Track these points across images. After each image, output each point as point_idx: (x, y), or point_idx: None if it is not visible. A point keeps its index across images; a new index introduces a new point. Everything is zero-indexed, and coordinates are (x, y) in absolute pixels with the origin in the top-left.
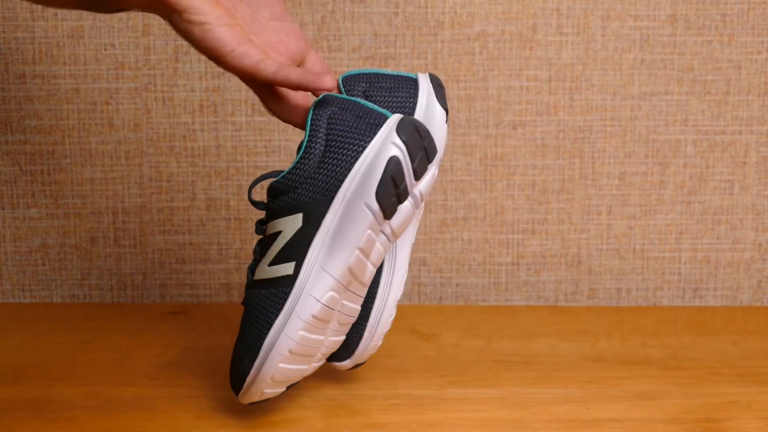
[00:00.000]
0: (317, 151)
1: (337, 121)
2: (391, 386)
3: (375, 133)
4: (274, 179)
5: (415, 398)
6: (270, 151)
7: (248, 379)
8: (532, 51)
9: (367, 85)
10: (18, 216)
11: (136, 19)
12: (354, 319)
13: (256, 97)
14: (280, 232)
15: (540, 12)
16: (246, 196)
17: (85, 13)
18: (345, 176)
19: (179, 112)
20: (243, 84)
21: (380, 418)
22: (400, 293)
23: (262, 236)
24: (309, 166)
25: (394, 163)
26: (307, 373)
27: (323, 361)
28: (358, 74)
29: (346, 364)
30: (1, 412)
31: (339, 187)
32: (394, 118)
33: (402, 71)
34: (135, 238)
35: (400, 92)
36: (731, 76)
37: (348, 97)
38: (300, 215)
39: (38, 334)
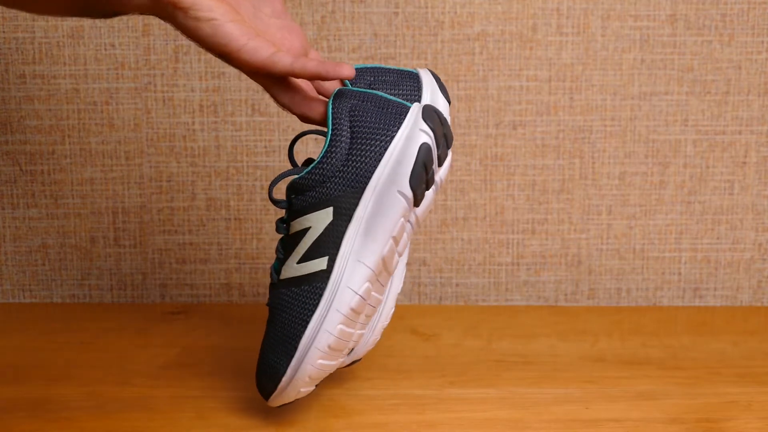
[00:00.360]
0: (343, 144)
1: (359, 113)
2: (391, 386)
3: (401, 122)
4: (297, 176)
5: (415, 398)
6: (270, 151)
7: (284, 379)
8: (532, 51)
9: (372, 78)
10: (18, 216)
11: (136, 19)
12: (376, 311)
13: (256, 97)
14: (309, 228)
15: (540, 12)
16: (265, 195)
17: None
18: (375, 166)
19: (179, 112)
20: (243, 84)
21: (380, 418)
22: (400, 287)
23: (284, 235)
24: (336, 160)
25: (425, 150)
26: (332, 370)
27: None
28: (362, 68)
29: (345, 360)
30: (1, 412)
31: (370, 177)
32: (416, 107)
33: (402, 67)
34: (135, 238)
35: (404, 86)
36: (731, 76)
37: (363, 89)
38: (330, 209)
39: (38, 334)
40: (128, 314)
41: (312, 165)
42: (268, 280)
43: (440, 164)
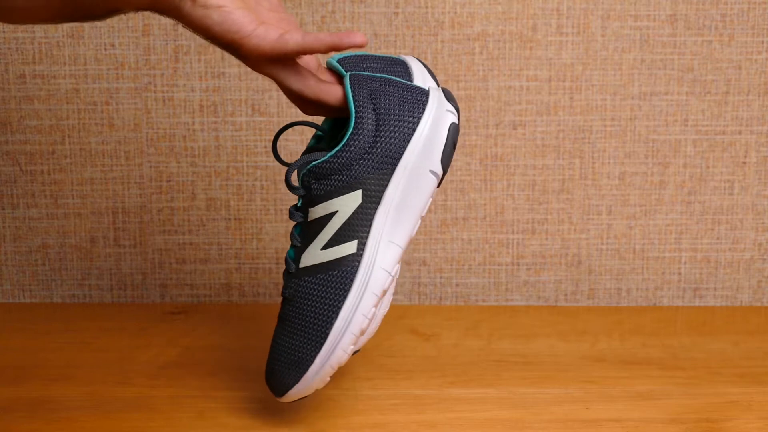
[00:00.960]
0: (369, 126)
1: (380, 95)
2: (391, 386)
3: (425, 104)
4: (317, 161)
5: (415, 398)
6: (270, 151)
7: (312, 369)
8: (532, 51)
9: (364, 65)
10: (18, 216)
11: (136, 19)
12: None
13: (256, 97)
14: (335, 212)
15: (540, 12)
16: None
17: None
18: (405, 147)
19: (179, 112)
20: (243, 84)
21: (380, 418)
22: (398, 273)
23: (301, 222)
24: (363, 142)
25: (453, 129)
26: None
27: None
28: (353, 56)
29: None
30: (1, 412)
31: (399, 158)
32: (435, 88)
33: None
34: (135, 238)
35: (394, 72)
36: (731, 76)
37: (375, 74)
38: (359, 192)
39: (38, 334)
40: (128, 314)
41: (336, 149)
42: (268, 280)
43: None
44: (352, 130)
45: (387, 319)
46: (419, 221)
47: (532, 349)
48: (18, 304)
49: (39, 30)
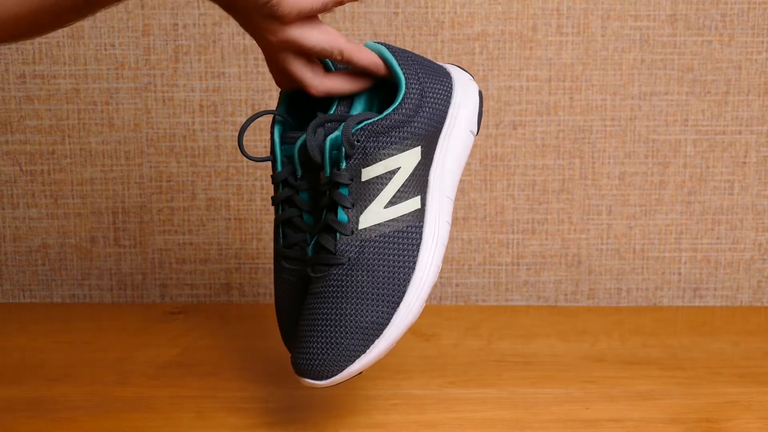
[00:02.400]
0: (417, 85)
1: (413, 60)
2: (391, 386)
3: (452, 74)
4: (376, 118)
5: (415, 398)
6: (269, 152)
7: (389, 330)
8: (532, 51)
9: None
10: (18, 216)
11: (136, 19)
12: None
13: (256, 97)
14: (398, 169)
15: (540, 12)
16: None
17: None
18: (447, 108)
19: (179, 112)
20: (243, 84)
21: (380, 418)
22: None
23: (349, 184)
24: (415, 99)
25: (481, 96)
26: None
27: None
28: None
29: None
30: (1, 412)
31: (445, 117)
32: (447, 65)
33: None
34: (135, 238)
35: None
36: (731, 76)
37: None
38: (418, 149)
39: (38, 334)
40: (128, 314)
41: (394, 105)
42: (268, 280)
43: None
44: (405, 88)
45: None
46: (461, 176)
47: (532, 349)
48: (18, 304)
49: None
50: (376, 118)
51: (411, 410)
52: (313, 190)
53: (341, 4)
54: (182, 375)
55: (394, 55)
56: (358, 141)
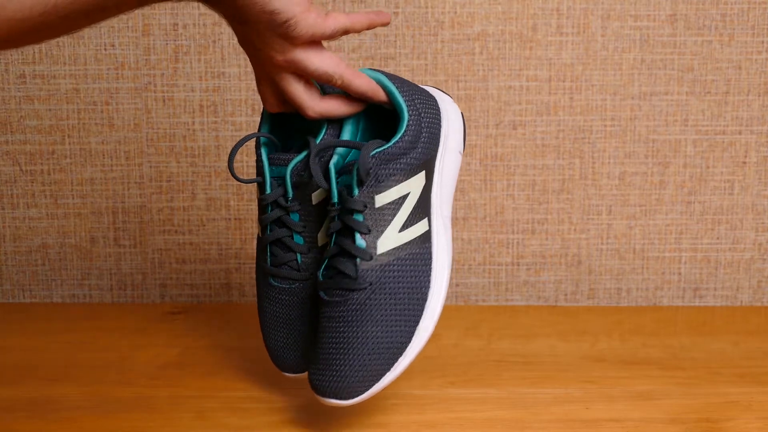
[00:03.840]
0: (417, 110)
1: (407, 86)
2: (391, 386)
3: (436, 98)
4: (386, 146)
5: (415, 398)
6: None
7: (411, 347)
8: (532, 51)
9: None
10: (18, 216)
11: (136, 19)
12: None
13: (256, 97)
14: (408, 194)
15: (540, 12)
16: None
17: None
18: (439, 131)
19: (179, 112)
20: (243, 84)
21: (380, 418)
22: None
23: (364, 210)
24: (417, 125)
25: (463, 117)
26: None
27: None
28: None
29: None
30: (1, 412)
31: (438, 143)
32: (429, 87)
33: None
34: (135, 238)
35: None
36: (731, 76)
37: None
38: (423, 173)
39: (38, 334)
40: (128, 314)
41: (400, 133)
42: None
43: None
44: (408, 115)
45: None
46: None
47: (532, 349)
48: (18, 304)
49: None
50: (386, 146)
51: (411, 410)
52: (304, 212)
53: (346, 33)
54: (182, 375)
55: (393, 83)
56: (371, 168)
